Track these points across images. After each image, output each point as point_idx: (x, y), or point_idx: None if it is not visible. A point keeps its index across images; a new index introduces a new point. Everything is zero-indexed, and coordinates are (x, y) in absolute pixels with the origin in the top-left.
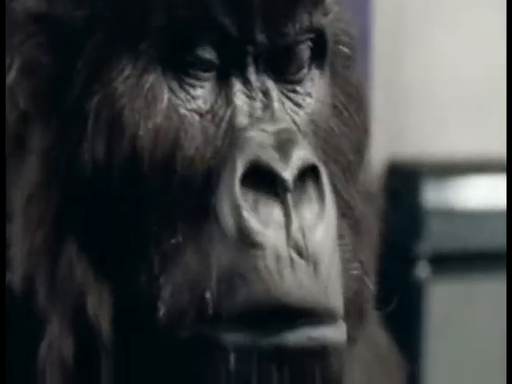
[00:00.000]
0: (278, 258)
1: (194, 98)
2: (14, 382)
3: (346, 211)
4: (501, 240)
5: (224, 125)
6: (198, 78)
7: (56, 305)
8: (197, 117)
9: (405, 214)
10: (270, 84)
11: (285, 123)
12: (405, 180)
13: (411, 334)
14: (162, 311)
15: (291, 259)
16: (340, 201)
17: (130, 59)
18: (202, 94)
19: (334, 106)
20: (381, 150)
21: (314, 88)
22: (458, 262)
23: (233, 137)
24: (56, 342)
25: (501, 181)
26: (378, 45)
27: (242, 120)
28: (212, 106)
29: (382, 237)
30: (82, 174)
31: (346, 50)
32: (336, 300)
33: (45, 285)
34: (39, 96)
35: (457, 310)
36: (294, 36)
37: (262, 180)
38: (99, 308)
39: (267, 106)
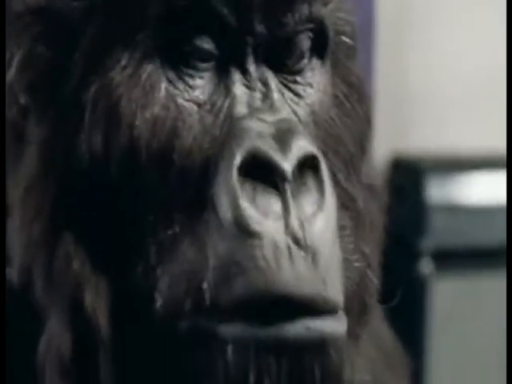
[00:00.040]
0: (275, 248)
1: (192, 88)
2: (15, 378)
3: (347, 203)
4: (504, 236)
5: (222, 115)
6: (196, 69)
7: (53, 297)
8: (195, 107)
9: (408, 209)
10: (270, 74)
11: (284, 113)
12: (408, 176)
13: (414, 330)
14: (159, 302)
15: (289, 249)
16: (341, 192)
17: (127, 49)
18: (200, 84)
19: (336, 97)
20: (384, 146)
21: (315, 78)
22: (462, 257)
23: (231, 127)
24: (54, 336)
25: (504, 177)
26: (381, 41)
27: (240, 110)
28: (210, 97)
29: (386, 232)
30: (79, 164)
31: (347, 40)
32: (335, 291)
33: (42, 277)
34: (37, 87)
35: (460, 305)
36: (293, 26)
37: (261, 170)
38: (96, 300)
39: (266, 97)
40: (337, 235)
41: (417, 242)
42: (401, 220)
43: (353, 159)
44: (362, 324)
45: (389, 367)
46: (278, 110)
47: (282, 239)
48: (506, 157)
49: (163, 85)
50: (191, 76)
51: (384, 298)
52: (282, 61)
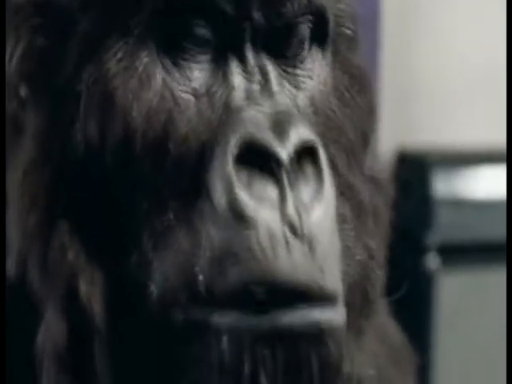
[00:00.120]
0: (271, 236)
1: (189, 77)
2: (14, 370)
3: (348, 193)
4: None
5: (220, 105)
6: (193, 58)
7: (48, 288)
8: (192, 97)
9: (414, 204)
10: (269, 65)
11: (283, 104)
12: (414, 170)
13: (421, 325)
14: (153, 292)
15: (285, 238)
16: (341, 182)
17: (123, 39)
18: (197, 74)
19: (336, 88)
20: (390, 140)
21: (315, 69)
22: (468, 252)
23: (228, 116)
24: (50, 326)
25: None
26: (386, 34)
27: (238, 99)
28: (208, 86)
29: (392, 227)
30: (74, 154)
31: (348, 31)
32: (334, 281)
33: (37, 268)
34: (35, 77)
35: (467, 300)
36: (292, 15)
37: (257, 158)
38: (91, 290)
39: (265, 86)
40: (336, 225)
41: (423, 236)
42: (407, 215)
43: (354, 150)
44: (365, 317)
45: (395, 362)
46: (276, 99)
47: (278, 227)
48: (506, 152)
49: (159, 74)
50: (188, 66)
51: (390, 294)
52: (281, 50)
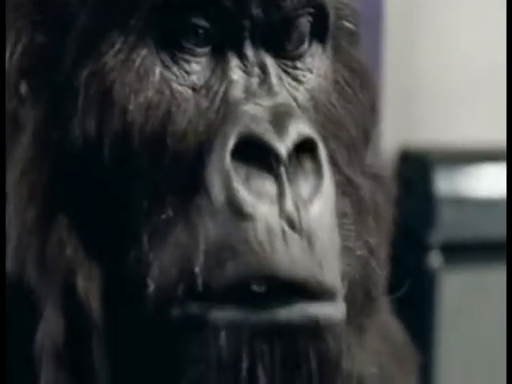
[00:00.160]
0: (269, 231)
1: (187, 73)
2: (14, 369)
3: (348, 189)
4: None
5: (218, 99)
6: (192, 54)
7: (46, 284)
8: (190, 91)
9: (417, 202)
10: (268, 59)
11: (282, 98)
12: (417, 168)
13: (423, 324)
14: (151, 287)
15: (283, 232)
16: (341, 178)
17: (121, 33)
18: (196, 69)
19: (337, 82)
20: (393, 139)
21: (315, 64)
22: (471, 250)
23: (227, 110)
24: (48, 323)
25: None
26: (390, 33)
27: (237, 94)
28: (206, 81)
29: (394, 225)
30: (72, 149)
31: (349, 25)
32: (333, 276)
33: (35, 263)
34: (34, 73)
35: (469, 299)
36: (291, 10)
37: (256, 154)
38: (89, 285)
39: (264, 81)
40: (336, 221)
41: (425, 234)
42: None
43: (355, 145)
44: (367, 315)
45: (397, 361)
46: (275, 94)
47: (277, 222)
48: (506, 152)
49: (157, 69)
50: (187, 61)
51: (393, 292)
52: (280, 45)
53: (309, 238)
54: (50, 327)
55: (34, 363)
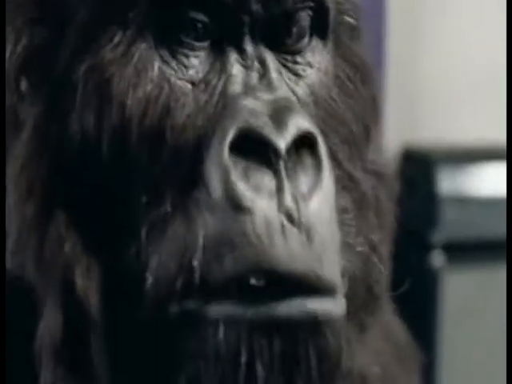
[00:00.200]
0: (267, 224)
1: (186, 67)
2: (14, 367)
3: (348, 184)
4: None
5: (217, 93)
6: (191, 48)
7: (45, 280)
8: (189, 86)
9: (419, 202)
10: (268, 54)
11: (282, 93)
12: (419, 168)
13: (426, 323)
14: (149, 282)
15: (282, 226)
16: (342, 173)
17: (120, 27)
18: (195, 63)
19: (337, 77)
20: (395, 138)
21: (315, 58)
22: (474, 250)
23: (225, 105)
24: (47, 320)
25: None
26: (392, 33)
27: (236, 89)
28: (205, 76)
29: (397, 224)
30: (71, 144)
31: (350, 19)
32: (332, 271)
33: (33, 259)
34: (34, 71)
35: (472, 298)
36: (291, 4)
37: (255, 148)
38: (88, 281)
39: (264, 76)
40: (336, 216)
41: (428, 234)
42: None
43: (355, 141)
44: (368, 313)
45: (399, 360)
46: (275, 88)
47: (275, 216)
48: (507, 150)
49: (156, 64)
50: (185, 55)
51: (395, 291)
52: (280, 40)
53: (308, 233)
54: (48, 323)
55: (34, 361)
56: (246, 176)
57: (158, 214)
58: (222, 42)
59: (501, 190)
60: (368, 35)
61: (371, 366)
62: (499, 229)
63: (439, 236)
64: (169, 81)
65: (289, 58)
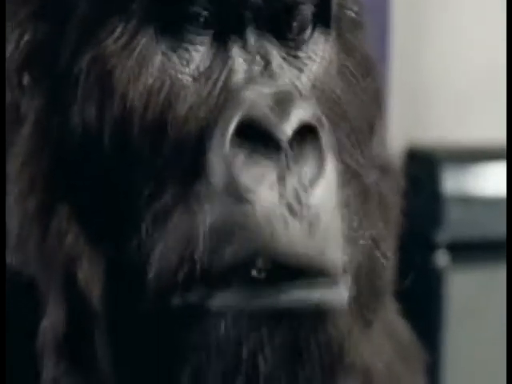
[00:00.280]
0: (269, 215)
1: (188, 60)
2: (14, 365)
3: (350, 177)
4: None
5: (219, 85)
6: (193, 42)
7: (47, 273)
8: (190, 79)
9: (424, 201)
10: (270, 47)
11: (284, 84)
12: (424, 167)
13: (430, 323)
14: (151, 274)
15: (284, 217)
16: (345, 166)
17: (121, 19)
18: (196, 57)
19: (340, 71)
20: (399, 137)
21: (318, 51)
22: (478, 249)
23: (227, 97)
24: (49, 313)
25: None
26: (396, 30)
27: (238, 81)
28: (207, 69)
29: (402, 222)
30: (72, 137)
31: (352, 14)
32: (334, 261)
33: (36, 252)
34: (37, 65)
35: (476, 298)
36: None
37: (256, 138)
38: (90, 275)
39: (266, 68)
40: (338, 208)
41: (432, 233)
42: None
43: (359, 134)
44: (372, 308)
45: (403, 359)
46: (277, 81)
47: (277, 207)
48: (507, 150)
49: (158, 56)
50: (187, 48)
51: (399, 290)
52: (282, 33)
53: (310, 223)
54: (51, 316)
55: (36, 357)
56: (247, 167)
57: (160, 206)
58: (224, 34)
59: (505, 189)
60: (372, 29)
61: (375, 362)
62: (503, 228)
63: (443, 235)
64: (170, 73)
65: (291, 51)
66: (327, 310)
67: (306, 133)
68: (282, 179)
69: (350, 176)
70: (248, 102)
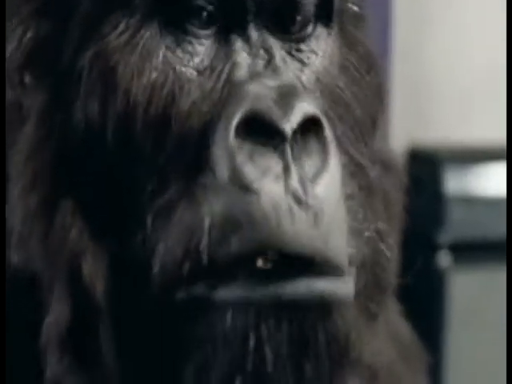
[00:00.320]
0: (274, 206)
1: (191, 55)
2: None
3: (355, 170)
4: None
5: (222, 80)
6: (196, 36)
7: (51, 268)
8: (194, 73)
9: (426, 201)
10: (273, 42)
11: (288, 79)
12: (426, 167)
13: (432, 323)
14: (156, 268)
15: (290, 208)
16: (348, 160)
17: (124, 15)
18: (200, 51)
19: (343, 65)
20: (401, 137)
21: (320, 46)
22: (480, 250)
23: (231, 90)
24: (53, 309)
25: None
26: (399, 29)
27: (241, 75)
28: (211, 63)
29: (405, 215)
30: (75, 133)
31: (354, 7)
32: (339, 252)
33: (39, 248)
34: (39, 63)
35: (478, 298)
36: None
37: (260, 131)
38: (94, 270)
39: (269, 63)
40: (342, 200)
41: (434, 234)
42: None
43: (361, 129)
44: (376, 301)
45: (405, 359)
46: (280, 75)
47: (282, 198)
48: (507, 150)
49: (161, 51)
50: (191, 43)
51: (401, 290)
52: (285, 27)
53: (315, 214)
54: (55, 312)
55: (39, 354)
56: (252, 159)
57: (164, 201)
58: (227, 29)
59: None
60: (374, 23)
61: (380, 359)
62: (506, 229)
63: (446, 236)
64: (174, 68)
65: (293, 45)
66: (333, 302)
67: (310, 126)
68: (287, 171)
69: (353, 169)
70: (252, 95)
